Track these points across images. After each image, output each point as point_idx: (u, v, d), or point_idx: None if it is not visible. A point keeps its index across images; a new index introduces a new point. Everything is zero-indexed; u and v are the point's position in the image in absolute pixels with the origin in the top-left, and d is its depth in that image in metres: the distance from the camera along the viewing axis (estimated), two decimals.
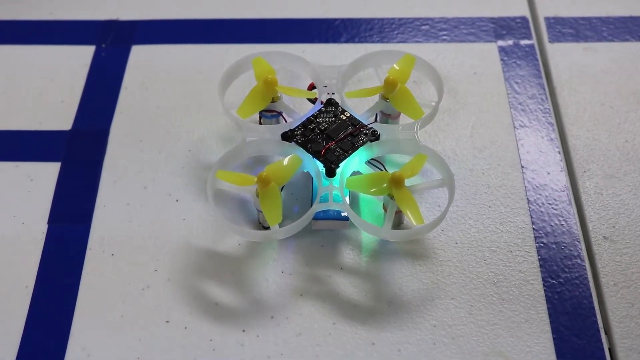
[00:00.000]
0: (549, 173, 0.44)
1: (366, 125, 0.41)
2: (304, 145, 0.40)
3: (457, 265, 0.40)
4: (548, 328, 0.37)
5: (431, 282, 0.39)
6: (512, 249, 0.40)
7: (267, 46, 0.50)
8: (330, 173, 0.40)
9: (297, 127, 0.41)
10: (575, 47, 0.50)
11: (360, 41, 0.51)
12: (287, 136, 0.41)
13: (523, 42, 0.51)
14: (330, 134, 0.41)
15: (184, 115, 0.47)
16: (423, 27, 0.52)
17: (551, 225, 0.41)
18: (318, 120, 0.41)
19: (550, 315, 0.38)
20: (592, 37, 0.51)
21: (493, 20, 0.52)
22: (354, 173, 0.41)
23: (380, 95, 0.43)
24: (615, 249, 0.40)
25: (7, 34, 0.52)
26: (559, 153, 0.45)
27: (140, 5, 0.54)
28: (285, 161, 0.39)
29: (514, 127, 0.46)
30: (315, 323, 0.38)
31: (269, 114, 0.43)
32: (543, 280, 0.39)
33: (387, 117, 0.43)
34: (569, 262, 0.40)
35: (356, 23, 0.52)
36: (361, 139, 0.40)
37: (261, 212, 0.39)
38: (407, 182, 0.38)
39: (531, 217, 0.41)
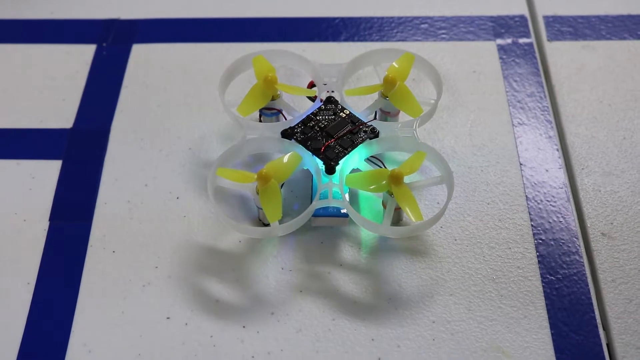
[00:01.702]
0: (547, 170, 0.44)
1: (365, 123, 0.41)
2: (303, 142, 0.40)
3: (456, 261, 0.40)
4: (546, 324, 0.38)
5: (430, 278, 0.39)
6: (511, 245, 0.40)
7: (267, 45, 0.50)
8: (330, 170, 0.40)
9: (297, 124, 0.41)
10: (574, 45, 0.51)
11: (359, 40, 0.51)
12: (287, 134, 0.41)
13: (522, 40, 0.51)
14: (329, 132, 0.41)
15: (184, 113, 0.47)
16: (422, 25, 0.52)
17: (549, 222, 0.41)
18: (318, 117, 0.42)
19: (548, 311, 0.38)
20: (590, 36, 0.51)
21: (492, 18, 0.52)
22: (354, 170, 0.41)
23: (379, 93, 0.43)
24: (613, 246, 0.40)
25: (8, 33, 0.52)
26: (558, 150, 0.45)
27: (141, 4, 0.54)
28: (285, 158, 0.39)
29: (513, 124, 0.46)
30: (315, 319, 0.38)
31: (269, 112, 0.43)
32: (541, 276, 0.39)
33: (387, 114, 0.44)
34: (567, 259, 0.40)
35: (356, 22, 0.52)
36: (360, 137, 0.41)
37: (261, 209, 0.39)
38: (406, 179, 0.38)
39: (530, 214, 0.42)
